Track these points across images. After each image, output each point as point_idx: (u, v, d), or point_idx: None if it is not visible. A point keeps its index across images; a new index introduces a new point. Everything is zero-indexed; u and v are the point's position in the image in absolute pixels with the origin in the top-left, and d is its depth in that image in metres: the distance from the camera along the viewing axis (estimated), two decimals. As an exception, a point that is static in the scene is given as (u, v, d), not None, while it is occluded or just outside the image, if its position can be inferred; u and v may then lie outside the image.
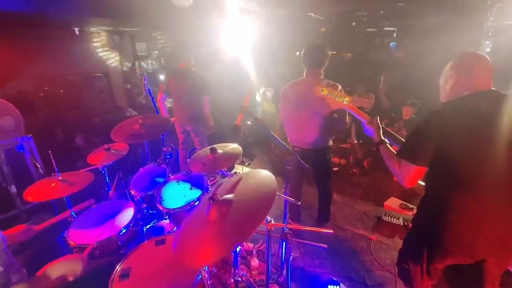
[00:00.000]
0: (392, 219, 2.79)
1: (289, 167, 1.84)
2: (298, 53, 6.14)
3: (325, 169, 2.57)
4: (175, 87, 3.17)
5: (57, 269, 1.17)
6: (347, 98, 1.51)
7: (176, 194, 2.04)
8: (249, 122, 4.12)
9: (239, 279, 1.65)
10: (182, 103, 3.18)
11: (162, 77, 5.18)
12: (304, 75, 2.26)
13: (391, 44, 4.74)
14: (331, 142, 2.44)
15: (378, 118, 1.46)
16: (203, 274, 1.32)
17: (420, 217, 1.31)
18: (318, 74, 2.20)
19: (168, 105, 3.62)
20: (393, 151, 1.32)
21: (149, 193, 2.10)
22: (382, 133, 1.42)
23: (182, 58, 3.21)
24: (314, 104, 2.19)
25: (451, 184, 1.13)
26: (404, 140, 1.35)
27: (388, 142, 1.39)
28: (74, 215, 1.92)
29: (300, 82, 2.27)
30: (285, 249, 1.63)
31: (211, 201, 1.06)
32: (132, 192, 2.13)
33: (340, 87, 2.22)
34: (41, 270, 1.13)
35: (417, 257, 1.26)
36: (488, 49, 4.05)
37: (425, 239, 1.24)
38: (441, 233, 1.16)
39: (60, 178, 1.74)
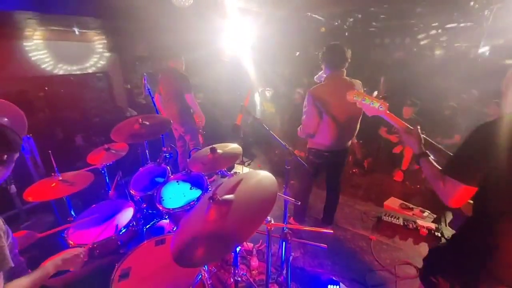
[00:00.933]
0: (392, 219, 2.79)
1: (289, 167, 1.84)
2: (298, 53, 6.14)
3: (342, 168, 2.59)
4: (162, 87, 3.21)
5: (57, 262, 1.19)
6: (382, 105, 1.36)
7: (176, 194, 2.04)
8: (248, 122, 4.13)
9: (239, 279, 1.65)
10: (167, 103, 3.23)
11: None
12: (330, 76, 2.16)
13: None
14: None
15: (419, 127, 1.29)
16: (203, 274, 1.32)
17: (465, 239, 1.15)
18: (344, 74, 2.17)
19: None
20: (436, 165, 1.14)
21: (149, 193, 2.10)
22: (423, 144, 1.25)
23: (174, 58, 3.21)
24: (352, 105, 2.21)
25: (509, 209, 0.97)
26: (450, 154, 1.16)
27: (430, 154, 1.21)
28: (74, 215, 1.93)
29: (332, 84, 2.15)
30: (285, 249, 1.63)
31: (211, 201, 1.06)
32: (132, 192, 2.13)
33: (360, 83, 2.21)
34: (43, 263, 1.15)
35: (451, 276, 1.15)
36: (486, 47, 4.05)
37: (469, 263, 1.11)
38: (496, 262, 1.02)
39: (60, 178, 1.75)
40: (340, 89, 2.16)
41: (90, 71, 4.48)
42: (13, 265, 1.01)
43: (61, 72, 4.08)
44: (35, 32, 3.54)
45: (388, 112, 1.36)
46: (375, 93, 1.37)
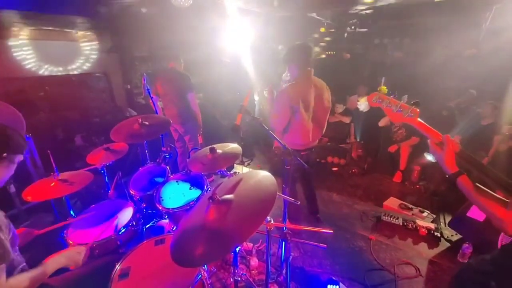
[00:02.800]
0: (391, 219, 2.79)
1: (289, 167, 1.84)
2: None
3: (312, 166, 2.67)
4: (161, 88, 3.19)
5: (59, 259, 1.20)
6: (413, 112, 1.14)
7: (176, 194, 2.04)
8: (247, 120, 4.12)
9: (239, 278, 1.65)
10: (168, 103, 3.21)
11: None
12: (301, 75, 2.18)
13: None
14: None
15: (449, 136, 1.05)
16: (202, 274, 1.32)
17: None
18: (312, 73, 2.22)
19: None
20: (481, 186, 0.96)
21: (149, 193, 2.10)
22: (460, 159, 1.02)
23: (172, 58, 3.21)
24: (322, 103, 2.25)
25: None
26: (490, 169, 0.97)
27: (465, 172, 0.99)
28: (73, 215, 1.93)
29: (305, 83, 2.18)
30: (284, 248, 1.63)
31: (211, 200, 1.06)
32: (132, 192, 2.14)
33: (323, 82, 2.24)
34: (45, 260, 1.15)
35: None
36: (485, 48, 4.05)
37: None
38: None
39: (60, 177, 1.74)
40: (311, 88, 2.22)
41: (90, 71, 4.47)
42: (14, 257, 1.02)
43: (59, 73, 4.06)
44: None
45: (418, 120, 1.13)
46: (405, 97, 1.10)
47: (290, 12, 4.17)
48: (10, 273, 1.05)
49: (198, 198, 1.92)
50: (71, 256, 1.25)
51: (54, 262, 1.17)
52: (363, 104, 4.17)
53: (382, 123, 3.95)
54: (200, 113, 3.35)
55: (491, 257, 1.06)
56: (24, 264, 1.20)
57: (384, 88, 1.25)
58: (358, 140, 4.36)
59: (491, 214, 0.92)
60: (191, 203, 1.87)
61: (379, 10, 4.35)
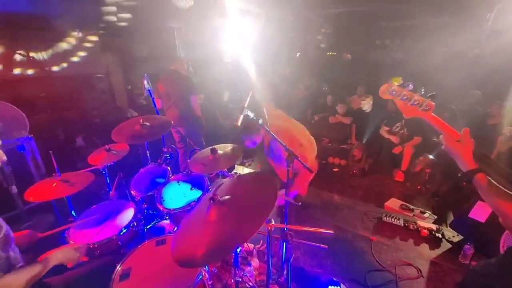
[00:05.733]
0: (392, 219, 2.78)
1: (289, 168, 1.84)
2: (298, 54, 6.16)
3: None
4: (163, 90, 3.17)
5: (56, 255, 1.19)
6: (428, 106, 1.04)
7: (177, 194, 2.04)
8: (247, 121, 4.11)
9: (240, 279, 1.65)
10: (170, 105, 3.19)
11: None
12: None
13: None
14: None
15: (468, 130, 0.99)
16: (203, 274, 1.32)
17: None
18: None
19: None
20: (497, 185, 0.90)
21: (150, 193, 2.10)
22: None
23: (175, 60, 3.20)
24: None
25: None
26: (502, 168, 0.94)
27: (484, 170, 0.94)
28: (74, 215, 1.93)
29: None
30: (285, 249, 1.63)
31: (211, 201, 1.06)
32: (133, 192, 2.14)
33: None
34: (41, 256, 1.15)
35: None
36: (487, 48, 4.05)
37: None
38: None
39: (61, 178, 1.75)
40: None
41: (91, 71, 4.48)
42: (8, 256, 1.01)
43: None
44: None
45: (432, 114, 1.05)
46: (422, 89, 0.98)
47: (290, 12, 4.18)
48: (8, 271, 1.05)
49: (199, 199, 1.92)
50: (68, 252, 1.25)
51: (51, 258, 1.17)
52: (367, 104, 4.17)
53: (384, 132, 3.96)
54: (201, 115, 3.34)
55: (496, 260, 1.05)
56: (23, 263, 1.21)
57: (397, 79, 1.16)
58: (359, 141, 4.35)
59: (505, 214, 0.88)
60: (192, 203, 1.87)
61: (380, 10, 4.35)
